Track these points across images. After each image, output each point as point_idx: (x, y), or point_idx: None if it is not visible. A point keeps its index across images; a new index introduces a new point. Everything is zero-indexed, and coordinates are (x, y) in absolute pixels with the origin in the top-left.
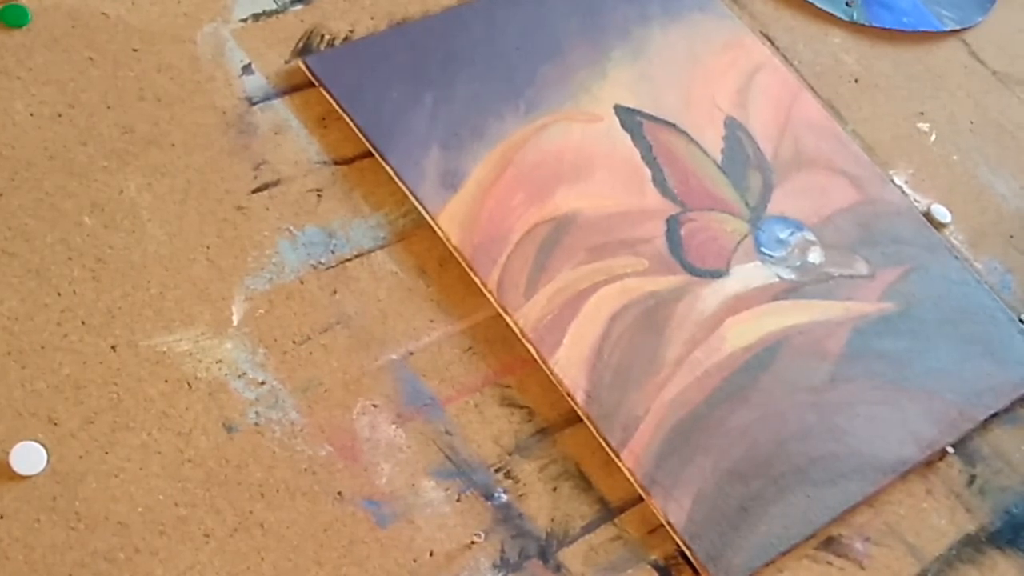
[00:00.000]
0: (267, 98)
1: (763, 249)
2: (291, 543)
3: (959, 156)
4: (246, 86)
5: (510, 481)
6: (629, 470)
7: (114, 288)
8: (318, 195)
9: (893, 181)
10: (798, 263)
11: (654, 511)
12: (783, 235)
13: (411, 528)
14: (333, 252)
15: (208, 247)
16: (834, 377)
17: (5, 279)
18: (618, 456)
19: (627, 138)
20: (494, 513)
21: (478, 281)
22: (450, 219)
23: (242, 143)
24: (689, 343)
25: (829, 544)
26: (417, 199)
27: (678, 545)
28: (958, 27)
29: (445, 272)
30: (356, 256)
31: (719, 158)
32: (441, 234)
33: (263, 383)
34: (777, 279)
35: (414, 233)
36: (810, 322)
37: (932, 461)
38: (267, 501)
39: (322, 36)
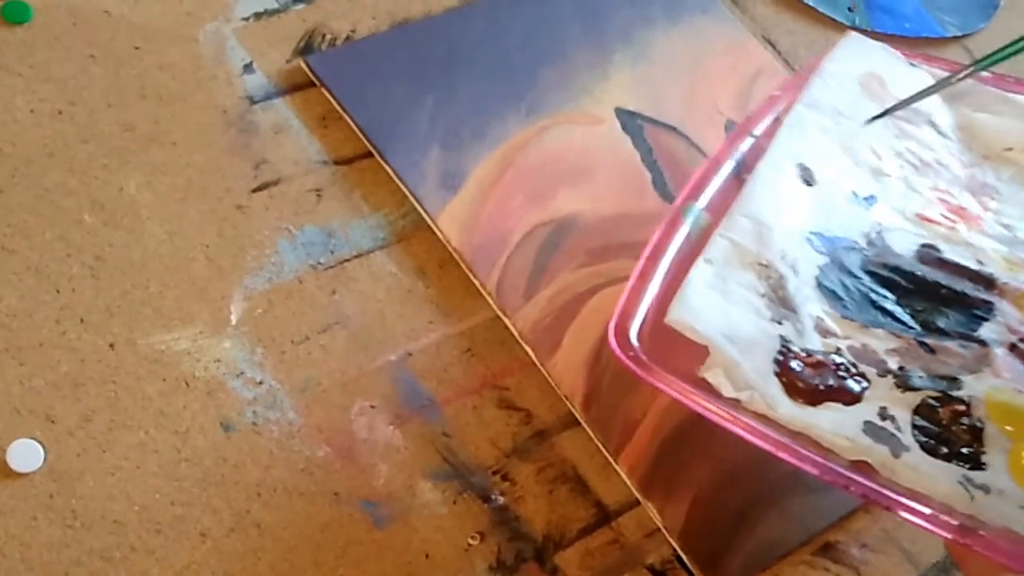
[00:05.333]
0: (268, 97)
1: None
2: (288, 543)
3: None
4: (247, 85)
5: (507, 483)
6: (626, 474)
7: (113, 286)
8: (318, 195)
9: None
10: None
11: (651, 515)
12: None
13: (408, 529)
14: (332, 252)
15: (207, 246)
16: None
17: (4, 276)
18: (615, 460)
19: (628, 141)
20: (491, 515)
21: (477, 283)
22: (450, 220)
23: (242, 142)
24: None
25: (826, 550)
26: (417, 200)
27: (675, 549)
28: (960, 33)
29: (444, 273)
30: (355, 256)
31: None
32: (441, 235)
33: (261, 383)
34: None
35: (414, 234)
36: None
37: None
38: (264, 501)
39: (323, 36)
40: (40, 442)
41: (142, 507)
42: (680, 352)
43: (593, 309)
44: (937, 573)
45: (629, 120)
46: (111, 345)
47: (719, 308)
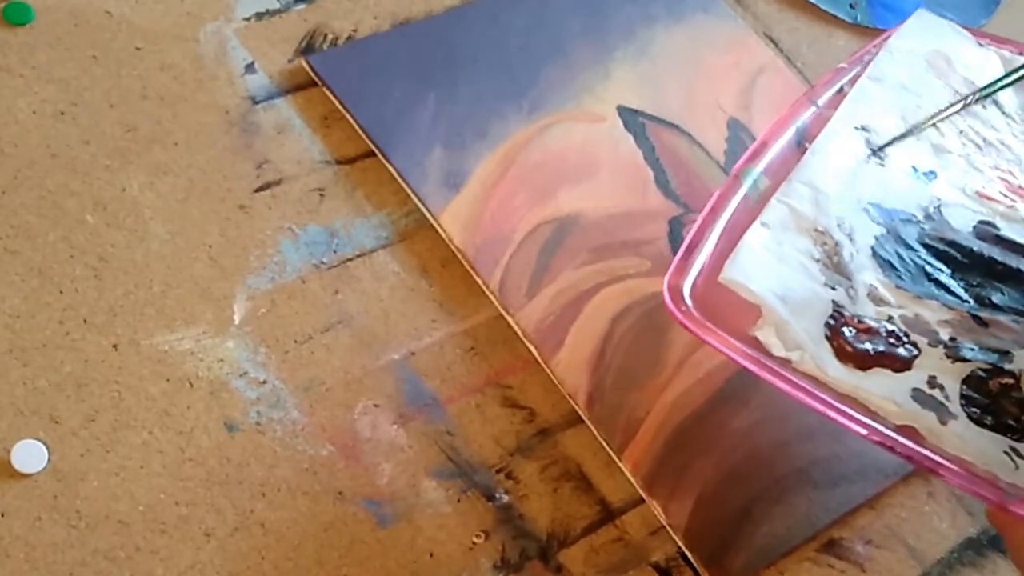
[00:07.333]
0: (270, 97)
1: None
2: (292, 542)
3: None
4: (249, 85)
5: (511, 482)
6: (630, 471)
7: (116, 287)
8: (320, 194)
9: None
10: None
11: (655, 513)
12: None
13: (412, 528)
14: (335, 252)
15: (210, 246)
16: None
17: (7, 277)
18: (619, 457)
19: (630, 139)
20: (495, 514)
21: (480, 281)
22: (452, 219)
23: (245, 142)
24: (691, 344)
25: (830, 546)
26: (419, 199)
27: (679, 547)
28: None
29: (447, 272)
30: (358, 256)
31: (722, 159)
32: (443, 234)
33: (264, 382)
34: None
35: (416, 233)
36: None
37: None
38: (268, 500)
39: (325, 35)
40: (44, 443)
41: (146, 507)
42: (731, 312)
43: (596, 307)
44: (942, 569)
45: (631, 118)
46: (114, 345)
47: (773, 270)
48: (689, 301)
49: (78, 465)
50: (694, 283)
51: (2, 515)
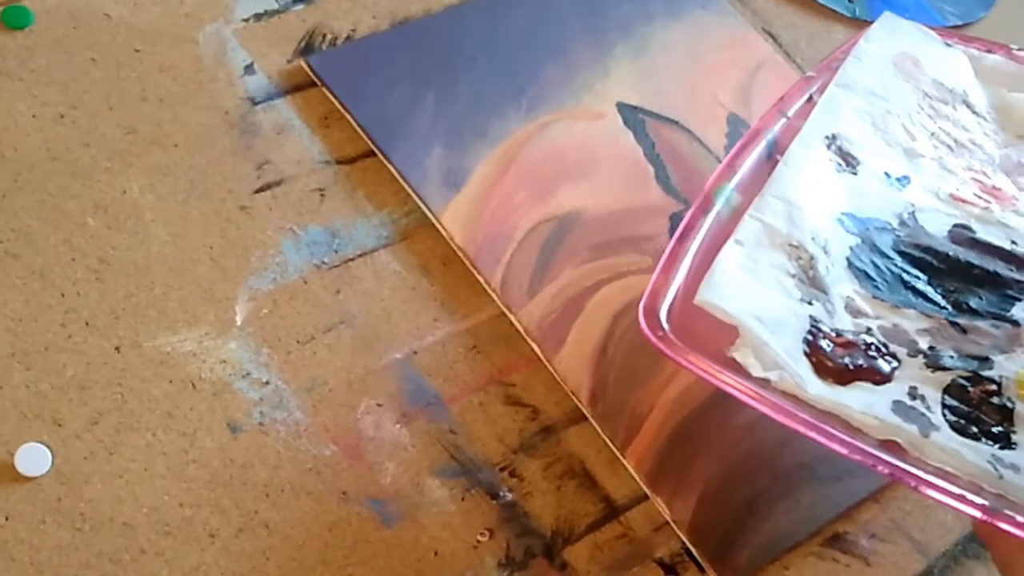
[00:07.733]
0: (269, 98)
1: None
2: (296, 543)
3: None
4: (248, 86)
5: (515, 480)
6: (633, 468)
7: (118, 289)
8: (321, 195)
9: None
10: None
11: (659, 509)
12: None
13: (416, 527)
14: (336, 252)
15: (211, 247)
16: None
17: (9, 281)
18: (623, 454)
19: (630, 136)
20: (499, 512)
21: (481, 280)
22: (453, 218)
23: (245, 143)
24: None
25: (835, 541)
26: (420, 198)
27: (683, 543)
28: (960, 22)
29: (448, 271)
30: (359, 255)
31: (722, 155)
32: (444, 233)
33: (267, 383)
34: None
35: (417, 232)
36: None
37: None
38: (272, 501)
39: (324, 35)
40: (47, 446)
41: (150, 509)
42: (709, 332)
43: (598, 304)
44: (947, 562)
45: (631, 115)
46: (117, 348)
47: (749, 289)
48: (666, 324)
49: (82, 468)
50: (671, 305)
51: (7, 518)
